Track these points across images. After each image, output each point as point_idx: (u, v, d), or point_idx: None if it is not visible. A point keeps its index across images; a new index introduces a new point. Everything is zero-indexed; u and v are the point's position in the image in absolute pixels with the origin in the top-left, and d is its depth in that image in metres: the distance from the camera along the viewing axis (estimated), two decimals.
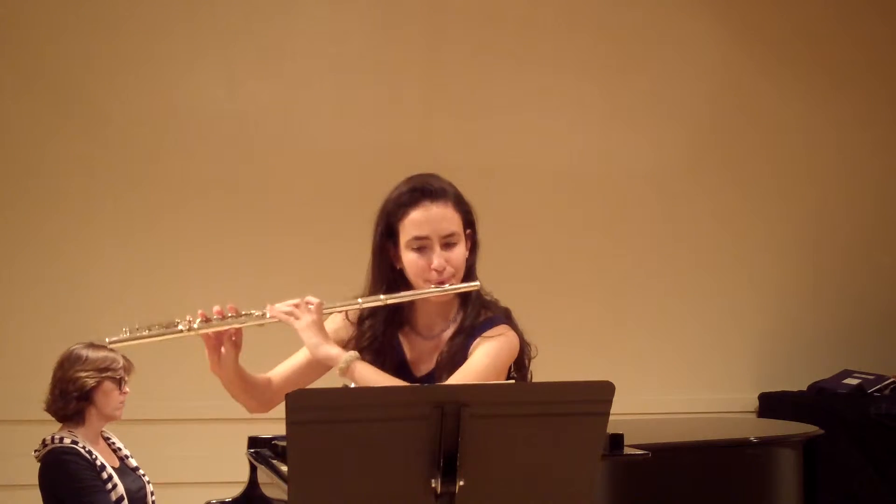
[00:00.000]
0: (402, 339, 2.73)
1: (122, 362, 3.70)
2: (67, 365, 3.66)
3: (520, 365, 2.69)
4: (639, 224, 5.73)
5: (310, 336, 2.58)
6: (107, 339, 2.65)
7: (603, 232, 5.67)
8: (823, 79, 5.93)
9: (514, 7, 5.62)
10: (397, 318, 2.71)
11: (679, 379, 5.70)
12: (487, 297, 2.71)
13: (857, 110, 5.97)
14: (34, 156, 5.14)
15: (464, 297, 2.68)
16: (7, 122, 5.13)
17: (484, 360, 2.59)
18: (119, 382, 3.69)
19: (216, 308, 2.59)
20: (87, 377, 3.62)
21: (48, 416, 3.72)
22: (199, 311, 2.59)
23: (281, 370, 2.75)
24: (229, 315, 2.59)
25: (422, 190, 2.64)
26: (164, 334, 2.60)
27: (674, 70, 5.78)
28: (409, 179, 2.69)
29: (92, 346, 3.70)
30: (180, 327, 2.58)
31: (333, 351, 2.58)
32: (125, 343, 2.62)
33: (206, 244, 5.25)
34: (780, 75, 5.88)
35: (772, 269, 5.87)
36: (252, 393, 2.70)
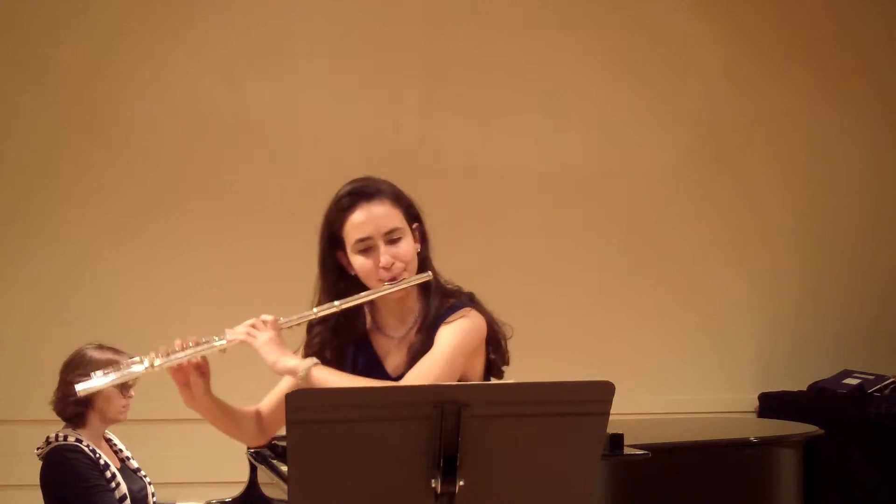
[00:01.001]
0: (373, 343, 2.72)
1: None
2: (71, 367, 3.63)
3: (496, 344, 2.68)
4: (639, 224, 5.73)
5: (268, 353, 2.57)
6: (76, 388, 2.65)
7: (603, 232, 5.68)
8: (823, 79, 5.94)
9: (514, 8, 5.63)
10: (353, 323, 2.70)
11: (679, 379, 5.70)
12: (449, 286, 2.70)
13: (857, 111, 5.97)
14: (36, 157, 5.15)
15: (424, 290, 2.68)
16: (8, 124, 5.13)
17: (448, 345, 2.57)
18: (122, 387, 3.66)
19: (177, 342, 2.59)
20: None
21: (49, 416, 3.72)
22: (161, 348, 2.59)
23: (269, 399, 2.75)
24: (190, 346, 2.58)
25: (358, 193, 2.64)
26: (127, 376, 2.60)
27: (674, 70, 5.78)
28: (345, 186, 2.68)
29: (100, 347, 3.68)
30: (145, 364, 2.57)
31: (291, 362, 2.57)
32: (93, 388, 2.62)
33: (207, 244, 5.25)
34: (779, 76, 5.89)
35: (772, 270, 5.87)
36: (239, 424, 2.70)
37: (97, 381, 2.61)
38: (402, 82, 5.51)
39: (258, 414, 2.73)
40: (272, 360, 2.57)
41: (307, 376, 2.54)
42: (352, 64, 5.46)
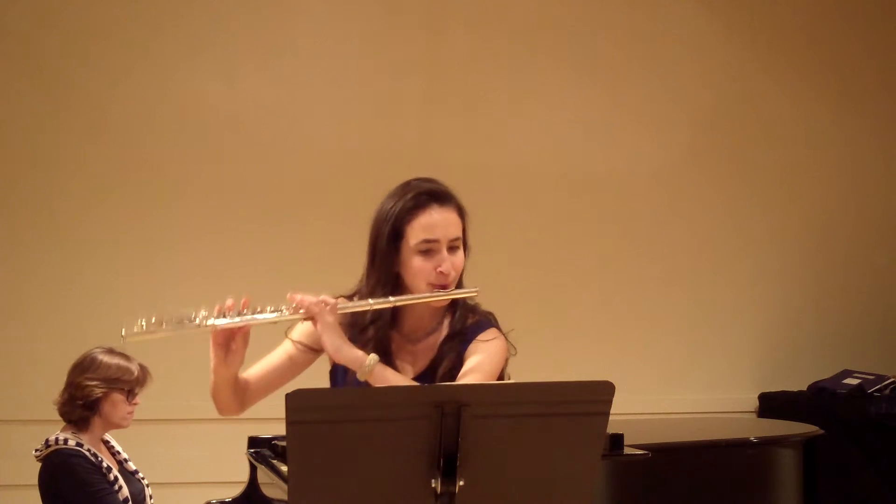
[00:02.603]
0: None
1: (136, 373, 3.66)
2: (80, 370, 3.62)
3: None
4: (640, 225, 5.72)
5: (332, 337, 2.57)
6: (123, 332, 2.56)
7: (604, 232, 5.67)
8: (827, 78, 5.93)
9: (516, 6, 5.62)
10: (392, 321, 2.71)
11: (679, 379, 5.70)
12: (471, 303, 2.72)
13: (861, 110, 5.97)
14: (30, 154, 5.13)
15: (452, 301, 2.69)
16: (2, 120, 5.12)
17: (485, 367, 2.60)
18: (128, 393, 3.66)
19: (229, 301, 2.55)
20: (94, 386, 3.58)
21: (48, 416, 3.71)
22: (217, 306, 2.55)
23: (256, 371, 2.71)
24: (244, 310, 2.56)
25: (429, 194, 2.65)
26: (179, 328, 2.54)
27: (678, 69, 5.77)
28: (411, 184, 2.68)
29: (110, 352, 3.66)
30: (196, 321, 2.53)
31: (355, 353, 2.57)
32: (141, 338, 2.55)
33: (205, 243, 5.24)
34: (783, 74, 5.88)
35: (773, 270, 5.87)
36: (235, 393, 2.66)
37: (148, 331, 2.52)
38: (402, 81, 5.50)
39: (247, 383, 2.70)
40: (336, 345, 2.57)
41: (371, 371, 2.54)
42: (352, 64, 5.46)
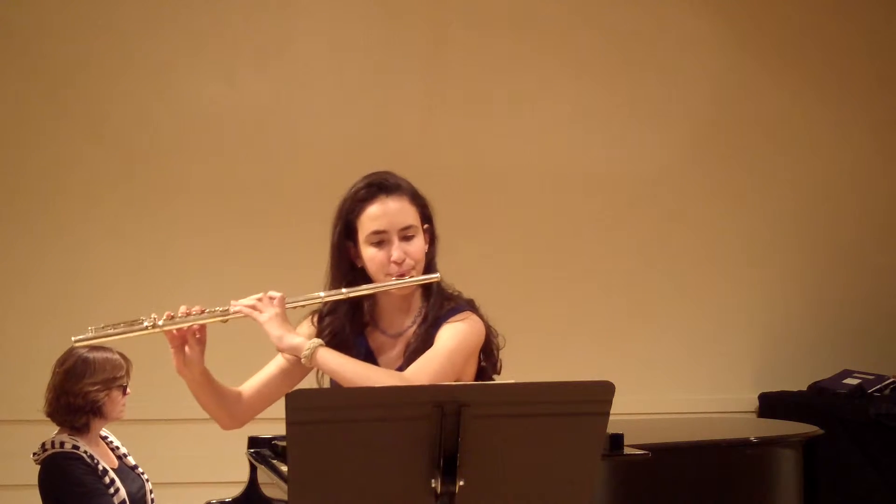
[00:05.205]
0: (367, 337, 2.74)
1: (124, 365, 3.65)
2: (76, 376, 3.55)
3: (488, 352, 2.70)
4: (640, 225, 5.72)
5: (273, 328, 2.60)
6: (72, 339, 2.67)
7: (605, 232, 5.67)
8: (828, 78, 5.92)
9: (516, 6, 5.62)
10: (358, 316, 2.73)
11: (679, 379, 5.69)
12: (450, 291, 2.73)
13: (862, 110, 5.96)
14: (29, 152, 5.13)
15: (426, 291, 2.70)
16: (2, 119, 5.12)
17: (449, 344, 2.60)
18: (124, 388, 3.65)
19: (182, 308, 2.62)
20: (97, 391, 3.55)
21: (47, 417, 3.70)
22: (166, 312, 2.61)
23: (252, 383, 2.74)
24: (194, 313, 2.61)
25: (378, 185, 2.69)
26: (127, 332, 2.63)
27: (677, 69, 5.77)
28: (365, 178, 2.73)
29: (91, 348, 3.65)
30: (145, 324, 2.61)
31: (297, 340, 2.60)
32: (90, 341, 2.67)
33: (203, 241, 5.24)
34: (784, 74, 5.87)
35: (772, 270, 5.86)
36: (221, 401, 2.69)
37: (98, 335, 2.64)
38: (402, 81, 5.50)
39: (240, 396, 2.72)
40: (277, 335, 2.60)
41: (312, 356, 2.56)
42: (353, 62, 5.46)
